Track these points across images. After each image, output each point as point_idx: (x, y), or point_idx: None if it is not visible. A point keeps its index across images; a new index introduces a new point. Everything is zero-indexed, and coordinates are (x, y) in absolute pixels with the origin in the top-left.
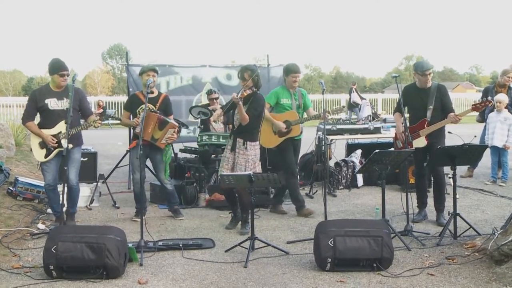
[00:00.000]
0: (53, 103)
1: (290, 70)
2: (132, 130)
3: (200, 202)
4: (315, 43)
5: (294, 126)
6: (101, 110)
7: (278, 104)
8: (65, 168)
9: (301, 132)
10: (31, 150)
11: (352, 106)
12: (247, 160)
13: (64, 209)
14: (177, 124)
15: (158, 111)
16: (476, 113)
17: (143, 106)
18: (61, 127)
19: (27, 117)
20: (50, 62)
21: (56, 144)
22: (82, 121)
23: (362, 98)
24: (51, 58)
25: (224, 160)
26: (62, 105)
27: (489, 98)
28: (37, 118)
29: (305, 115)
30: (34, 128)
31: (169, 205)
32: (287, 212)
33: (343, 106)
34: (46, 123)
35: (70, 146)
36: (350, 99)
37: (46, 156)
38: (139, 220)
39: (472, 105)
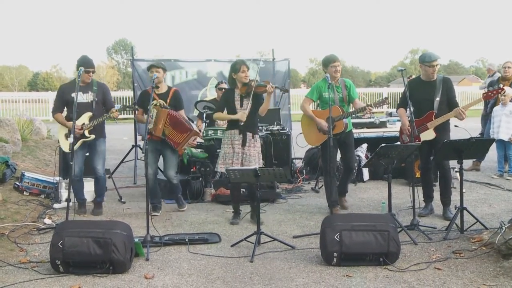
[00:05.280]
0: (78, 97)
1: (329, 61)
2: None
3: (206, 196)
4: (320, 37)
5: (338, 122)
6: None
7: (321, 98)
8: (71, 163)
9: (346, 127)
10: (58, 141)
11: None
12: (258, 152)
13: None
14: (199, 133)
15: (169, 107)
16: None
17: (154, 101)
18: (84, 119)
19: (55, 109)
20: (78, 59)
21: (80, 131)
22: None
23: None
24: (80, 55)
25: (226, 157)
26: (87, 98)
27: (501, 85)
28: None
29: (351, 108)
30: (61, 119)
31: (172, 196)
32: (348, 208)
33: (386, 98)
34: (72, 115)
35: (92, 136)
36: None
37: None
38: (158, 214)
39: (483, 94)
